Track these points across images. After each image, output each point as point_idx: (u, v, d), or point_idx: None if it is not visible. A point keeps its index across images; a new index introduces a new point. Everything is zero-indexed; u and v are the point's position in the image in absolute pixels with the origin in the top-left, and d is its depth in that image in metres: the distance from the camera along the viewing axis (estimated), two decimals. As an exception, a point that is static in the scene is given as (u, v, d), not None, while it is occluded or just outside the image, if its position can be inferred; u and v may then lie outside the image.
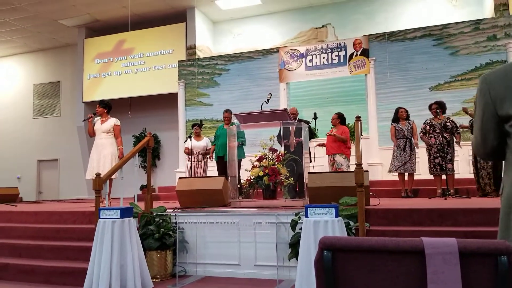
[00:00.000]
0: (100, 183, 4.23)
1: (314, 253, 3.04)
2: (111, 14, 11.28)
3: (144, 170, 10.70)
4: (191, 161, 7.22)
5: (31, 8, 10.72)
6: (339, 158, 6.63)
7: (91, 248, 3.71)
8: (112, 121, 6.11)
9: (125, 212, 3.79)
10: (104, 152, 5.91)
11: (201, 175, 7.24)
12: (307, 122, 6.63)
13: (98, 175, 4.27)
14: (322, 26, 10.68)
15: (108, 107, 6.20)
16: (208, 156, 7.43)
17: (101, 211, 3.79)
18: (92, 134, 6.13)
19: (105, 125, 6.05)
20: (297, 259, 3.38)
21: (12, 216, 5.48)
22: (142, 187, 10.16)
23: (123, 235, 3.70)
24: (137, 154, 4.95)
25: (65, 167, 12.92)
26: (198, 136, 7.50)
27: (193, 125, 7.71)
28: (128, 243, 3.72)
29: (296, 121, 6.78)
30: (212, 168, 7.52)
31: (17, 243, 4.73)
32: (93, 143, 6.20)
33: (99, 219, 3.75)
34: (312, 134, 7.01)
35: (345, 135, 6.66)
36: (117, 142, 6.08)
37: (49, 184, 13.21)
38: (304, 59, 9.09)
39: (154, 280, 4.03)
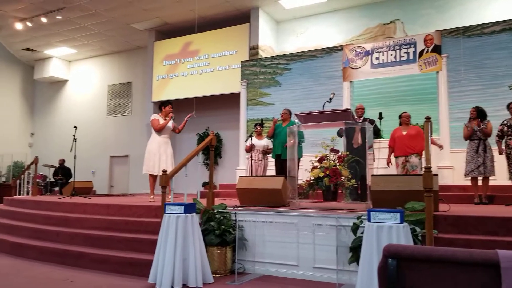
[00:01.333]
0: (166, 179, 4.43)
1: (376, 259, 2.93)
2: (179, 17, 11.77)
3: (207, 168, 11.04)
4: (251, 159, 7.32)
5: (106, 14, 11.53)
6: (414, 159, 6.30)
7: (157, 241, 3.90)
8: (171, 122, 6.41)
9: (189, 208, 3.93)
10: (170, 150, 6.25)
11: (261, 174, 7.31)
12: (372, 122, 6.41)
13: (164, 171, 4.48)
14: (390, 22, 10.24)
15: None
16: (268, 155, 7.50)
17: (166, 206, 3.96)
18: (162, 130, 6.33)
19: (170, 126, 6.38)
20: (358, 263, 3.27)
21: (87, 208, 5.92)
22: (204, 184, 10.47)
23: (186, 230, 3.84)
24: (200, 152, 5.11)
25: (135, 163, 13.70)
26: (259, 135, 7.61)
27: (255, 124, 7.82)
28: (190, 238, 3.85)
29: (362, 118, 6.61)
30: (272, 168, 7.55)
31: (91, 233, 5.10)
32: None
33: (165, 214, 3.92)
34: (378, 134, 6.77)
35: (421, 135, 6.38)
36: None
37: (120, 178, 14.12)
38: (370, 56, 8.79)
39: (214, 275, 4.12)
